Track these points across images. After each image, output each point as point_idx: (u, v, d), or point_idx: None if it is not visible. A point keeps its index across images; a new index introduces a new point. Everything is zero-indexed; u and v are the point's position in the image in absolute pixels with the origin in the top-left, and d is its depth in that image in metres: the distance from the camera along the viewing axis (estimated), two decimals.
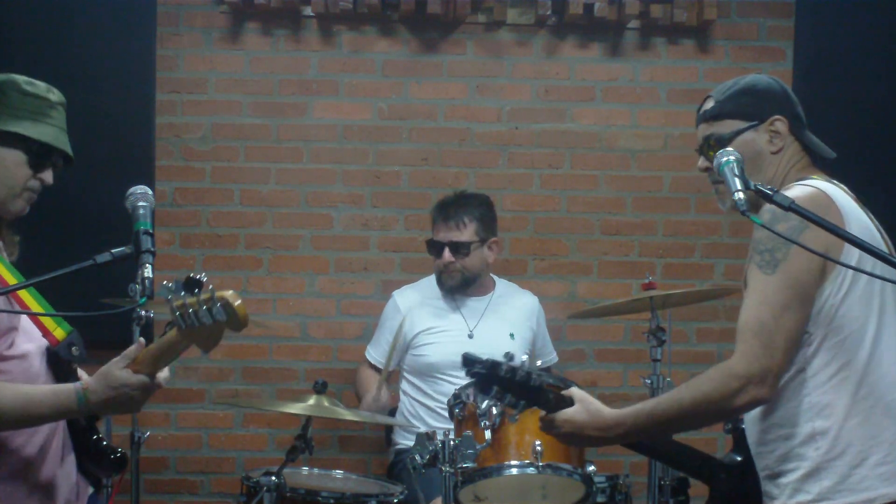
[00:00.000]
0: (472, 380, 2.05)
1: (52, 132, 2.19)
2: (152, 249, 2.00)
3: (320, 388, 3.00)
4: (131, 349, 2.02)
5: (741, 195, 1.91)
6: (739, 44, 4.16)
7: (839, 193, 2.06)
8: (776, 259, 1.96)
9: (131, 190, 2.14)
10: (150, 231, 2.03)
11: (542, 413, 2.09)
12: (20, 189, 2.17)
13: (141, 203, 2.10)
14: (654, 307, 3.32)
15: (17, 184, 2.16)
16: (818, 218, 1.86)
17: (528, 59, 4.14)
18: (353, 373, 3.99)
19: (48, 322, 2.20)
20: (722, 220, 4.14)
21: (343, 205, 4.11)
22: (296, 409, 2.98)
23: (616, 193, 4.16)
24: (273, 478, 2.85)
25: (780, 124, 2.16)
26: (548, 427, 2.10)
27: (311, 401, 2.98)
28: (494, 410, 2.06)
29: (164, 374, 2.06)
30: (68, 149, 2.22)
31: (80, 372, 2.35)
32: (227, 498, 3.99)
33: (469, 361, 2.03)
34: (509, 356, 2.08)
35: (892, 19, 3.95)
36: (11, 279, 2.15)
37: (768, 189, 1.91)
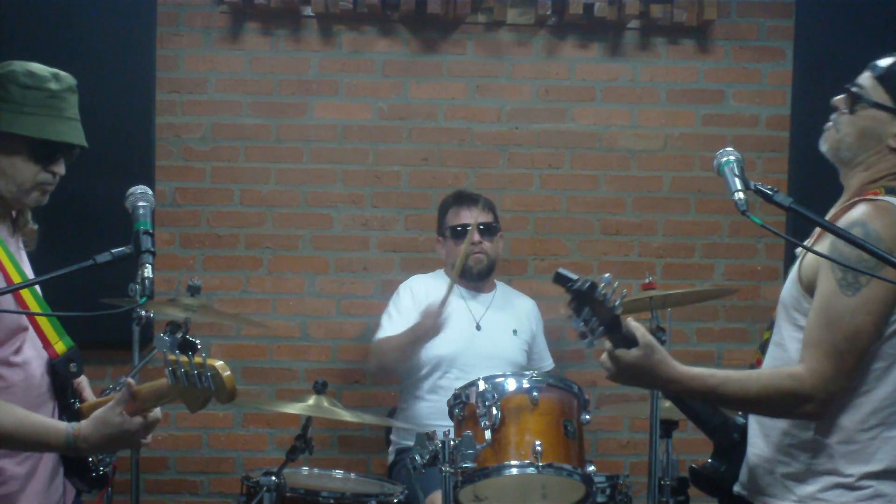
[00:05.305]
0: (570, 296, 2.00)
1: (56, 126, 2.11)
2: (152, 249, 2.00)
3: (320, 388, 3.01)
4: (123, 394, 1.97)
5: (741, 195, 1.91)
6: (739, 44, 4.15)
7: None
8: (859, 283, 1.91)
9: (131, 190, 2.14)
10: (150, 231, 2.03)
11: (609, 347, 2.03)
12: (30, 185, 2.14)
13: (141, 203, 2.10)
14: (654, 307, 3.31)
15: (26, 180, 2.13)
16: (821, 220, 1.86)
17: (528, 59, 4.14)
18: (354, 373, 4.00)
19: (50, 334, 2.18)
20: (722, 220, 4.13)
21: (343, 205, 4.11)
22: (296, 409, 2.98)
23: (616, 193, 4.16)
24: (273, 478, 2.86)
25: None
26: (609, 361, 2.03)
27: (311, 401, 2.98)
28: (579, 329, 2.01)
29: (155, 412, 2.01)
30: (77, 139, 2.15)
31: (83, 382, 2.33)
32: (227, 498, 3.99)
33: (564, 278, 1.99)
34: (608, 279, 2.00)
35: (893, 19, 3.94)
36: (17, 277, 2.13)
37: (768, 189, 1.90)
